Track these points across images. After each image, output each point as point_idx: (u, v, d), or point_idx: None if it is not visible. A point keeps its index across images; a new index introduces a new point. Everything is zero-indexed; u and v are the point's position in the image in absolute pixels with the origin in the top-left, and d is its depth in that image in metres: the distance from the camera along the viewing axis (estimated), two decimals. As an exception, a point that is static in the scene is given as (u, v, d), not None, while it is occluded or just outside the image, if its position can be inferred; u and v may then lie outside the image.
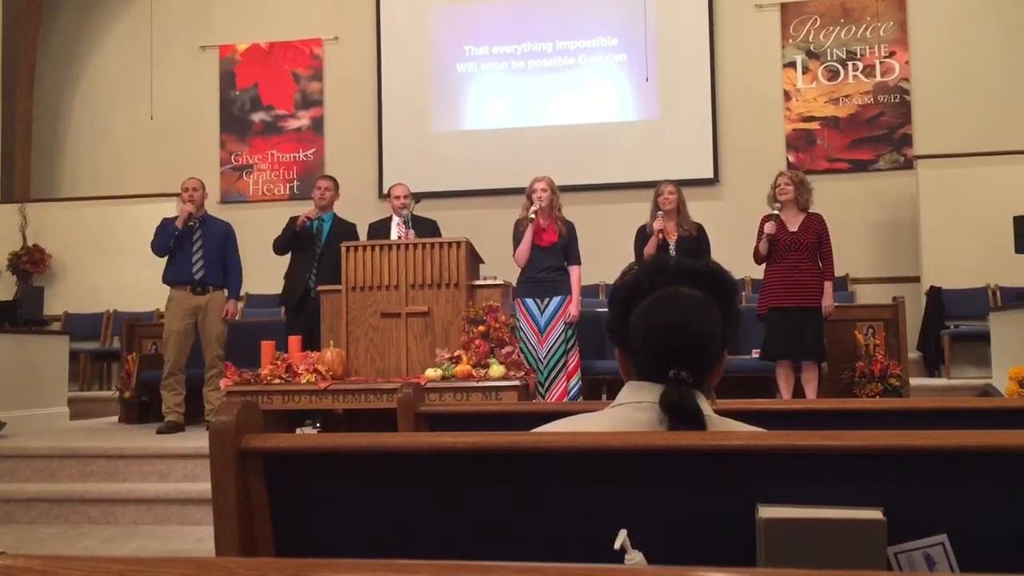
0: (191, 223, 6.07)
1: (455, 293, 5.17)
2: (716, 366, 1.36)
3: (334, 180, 6.46)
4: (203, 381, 6.07)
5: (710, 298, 1.33)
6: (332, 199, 6.30)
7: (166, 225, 6.13)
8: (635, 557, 1.09)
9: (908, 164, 8.44)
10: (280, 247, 6.20)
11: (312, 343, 5.31)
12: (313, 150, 9.65)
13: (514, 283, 5.79)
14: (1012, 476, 1.14)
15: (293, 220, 6.20)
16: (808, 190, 5.58)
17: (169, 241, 6.04)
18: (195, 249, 6.07)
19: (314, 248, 6.12)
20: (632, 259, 5.62)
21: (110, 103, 9.98)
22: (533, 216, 5.49)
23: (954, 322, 7.60)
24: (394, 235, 5.96)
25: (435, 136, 9.38)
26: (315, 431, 5.58)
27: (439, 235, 5.96)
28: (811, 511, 1.10)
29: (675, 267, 1.39)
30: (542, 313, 5.50)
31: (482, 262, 5.59)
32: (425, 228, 6.07)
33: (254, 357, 5.11)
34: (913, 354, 7.36)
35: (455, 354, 4.87)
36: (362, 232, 6.26)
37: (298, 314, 6.00)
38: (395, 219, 6.12)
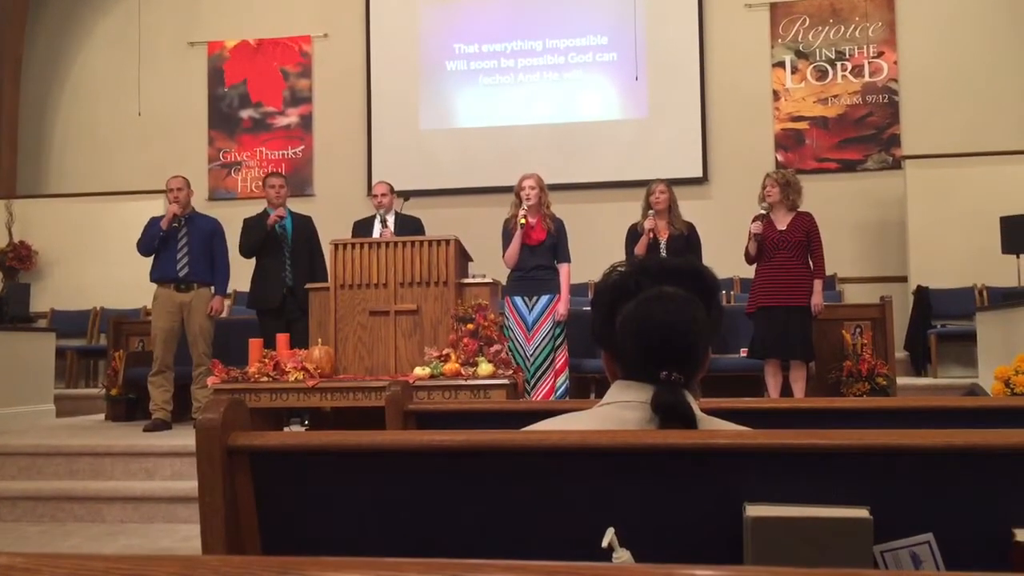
0: (176, 223, 6.04)
1: (444, 291, 5.17)
2: (703, 363, 1.36)
3: (284, 176, 6.52)
4: (191, 379, 6.04)
5: (694, 296, 1.34)
6: (287, 196, 6.30)
7: (152, 224, 6.09)
8: (623, 555, 1.09)
9: (896, 164, 8.47)
10: (250, 250, 6.14)
11: (292, 341, 5.29)
12: (302, 147, 9.63)
13: (503, 281, 5.79)
14: (998, 475, 1.14)
15: (252, 222, 6.16)
16: (796, 190, 5.58)
17: (153, 241, 6.01)
18: (180, 247, 6.04)
19: (282, 247, 6.10)
20: (620, 258, 5.64)
21: (97, 99, 9.93)
22: (523, 221, 5.47)
23: (941, 322, 7.64)
24: (376, 233, 5.97)
25: (424, 134, 9.37)
26: (303, 429, 5.56)
27: (423, 233, 5.97)
28: (798, 509, 1.11)
29: (658, 267, 1.39)
30: (530, 311, 5.50)
31: (471, 260, 5.58)
32: (409, 226, 6.08)
33: (242, 355, 5.10)
34: (900, 353, 7.39)
35: (444, 352, 4.86)
36: (347, 231, 6.23)
37: (278, 314, 5.96)
38: (378, 217, 6.14)
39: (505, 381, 4.69)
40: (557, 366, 5.47)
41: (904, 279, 8.15)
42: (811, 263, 5.55)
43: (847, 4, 8.80)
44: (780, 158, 8.74)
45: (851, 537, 1.09)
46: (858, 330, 5.96)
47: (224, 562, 0.66)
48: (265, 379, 4.85)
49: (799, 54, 8.87)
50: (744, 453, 1.17)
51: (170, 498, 4.82)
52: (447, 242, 5.22)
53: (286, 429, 5.34)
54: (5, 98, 9.51)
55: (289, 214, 6.20)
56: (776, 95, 8.89)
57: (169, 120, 9.73)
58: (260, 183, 9.37)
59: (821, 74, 8.82)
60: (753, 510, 1.11)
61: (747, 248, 5.59)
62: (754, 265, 5.66)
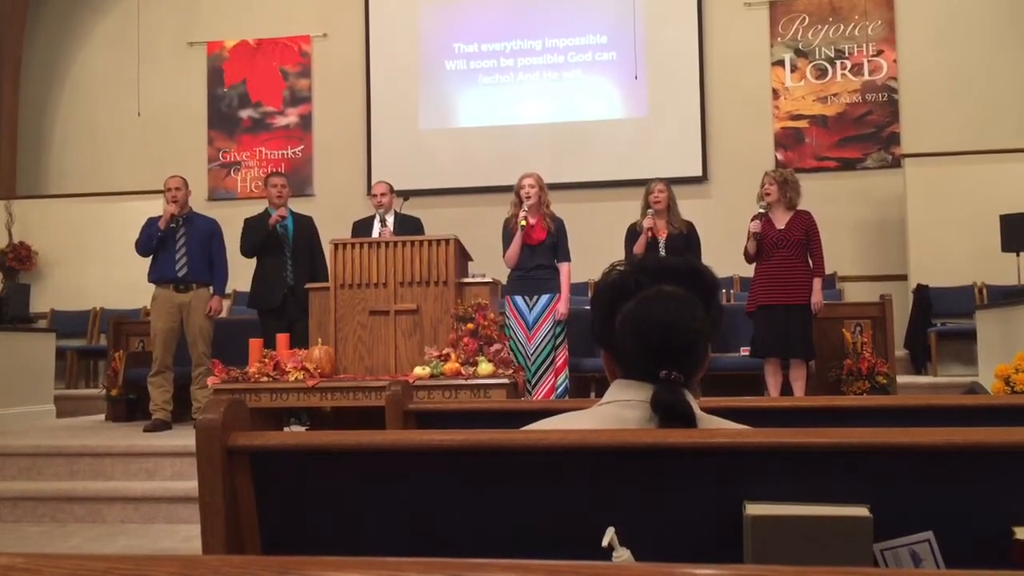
0: (174, 223, 6.04)
1: (444, 291, 5.17)
2: (703, 363, 1.36)
3: (286, 176, 6.58)
4: (190, 379, 6.04)
5: (693, 295, 1.34)
6: (288, 196, 6.31)
7: (150, 224, 6.10)
8: (623, 554, 1.09)
9: (896, 162, 8.47)
10: (251, 250, 6.15)
11: (293, 341, 5.29)
12: (301, 147, 9.63)
13: (503, 281, 5.79)
14: (997, 473, 1.14)
15: (254, 221, 6.17)
16: (794, 188, 5.58)
17: (151, 242, 6.01)
18: (178, 247, 6.04)
19: (283, 247, 6.11)
20: (620, 257, 5.64)
21: (97, 99, 9.93)
22: (524, 223, 5.47)
23: (941, 320, 7.64)
24: (375, 233, 5.97)
25: (424, 133, 9.37)
26: (304, 429, 5.56)
27: (422, 233, 5.97)
28: (798, 508, 1.11)
29: (657, 266, 1.39)
30: (531, 310, 5.50)
31: (471, 260, 5.58)
32: (409, 226, 6.09)
33: (242, 355, 5.10)
34: (900, 352, 7.39)
35: (444, 352, 4.86)
36: (346, 230, 6.24)
37: (279, 314, 5.97)
38: (377, 217, 6.14)
39: (505, 380, 4.70)
40: (557, 365, 5.47)
41: (904, 277, 8.16)
42: (810, 262, 5.55)
43: (846, 3, 8.80)
44: (780, 157, 8.74)
45: (851, 536, 1.09)
46: (858, 329, 5.96)
47: (224, 562, 0.66)
48: (265, 379, 4.85)
49: (798, 53, 8.86)
50: (744, 452, 1.17)
51: (170, 498, 4.82)
52: (447, 241, 5.22)
53: (286, 429, 5.34)
54: (5, 98, 9.51)
55: (290, 214, 6.21)
56: (776, 94, 8.89)
57: (168, 120, 9.73)
58: (260, 183, 9.40)
59: (821, 73, 8.82)
60: (753, 509, 1.11)
61: (746, 247, 5.59)
62: (753, 264, 5.66)
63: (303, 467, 1.30)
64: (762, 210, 5.59)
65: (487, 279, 5.37)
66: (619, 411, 1.31)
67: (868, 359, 5.73)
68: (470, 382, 4.69)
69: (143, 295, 6.77)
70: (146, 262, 6.14)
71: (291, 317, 5.86)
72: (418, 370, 4.79)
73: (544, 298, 5.50)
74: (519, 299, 5.53)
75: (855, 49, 8.77)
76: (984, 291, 7.68)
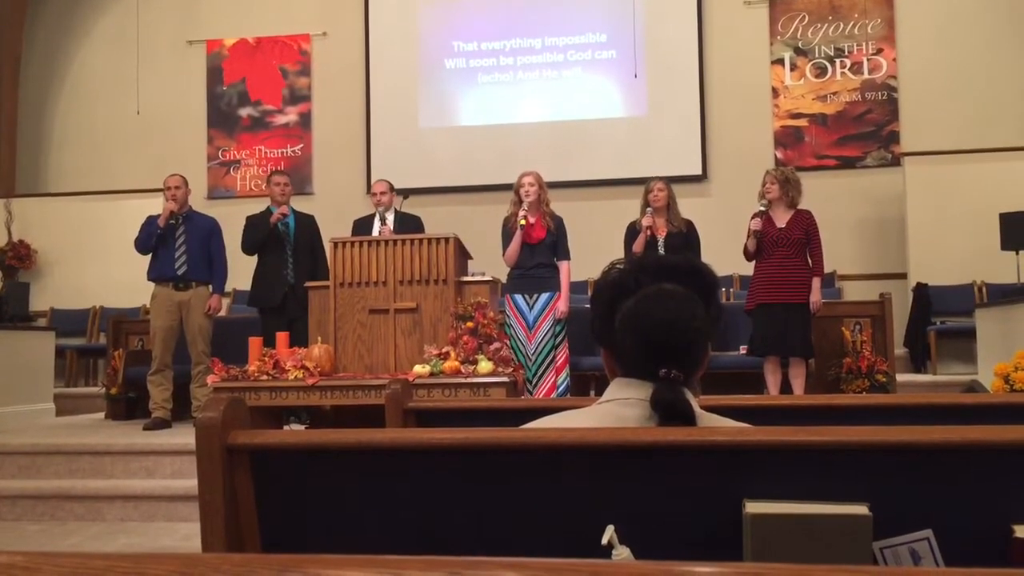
0: (173, 220, 6.05)
1: (443, 289, 5.17)
2: (702, 361, 1.36)
3: (288, 175, 6.58)
4: (190, 377, 6.05)
5: (693, 294, 1.34)
6: (291, 194, 6.32)
7: (150, 223, 6.10)
8: (622, 553, 1.09)
9: (895, 161, 8.47)
10: (252, 247, 6.16)
11: (293, 340, 5.29)
12: (301, 146, 9.63)
13: (502, 279, 5.79)
14: (996, 471, 1.14)
15: (256, 219, 6.18)
16: (795, 187, 5.57)
17: (151, 239, 6.02)
18: (178, 245, 6.05)
19: (284, 245, 6.11)
20: (620, 256, 5.63)
21: (96, 98, 9.93)
22: (523, 222, 5.46)
23: (940, 318, 7.64)
24: (375, 231, 5.98)
25: (423, 132, 9.37)
26: (303, 428, 5.56)
27: (422, 231, 5.97)
28: (797, 506, 1.11)
29: (656, 264, 1.39)
30: (531, 309, 5.50)
31: (470, 258, 5.58)
32: (408, 224, 6.09)
33: (241, 353, 5.10)
34: (900, 350, 7.40)
35: (443, 350, 4.86)
36: (346, 229, 6.24)
37: (280, 312, 5.97)
38: (377, 215, 6.15)
39: (504, 379, 4.70)
40: (558, 363, 5.47)
41: (904, 276, 8.16)
42: (810, 261, 5.55)
43: (846, 1, 8.80)
44: (779, 155, 8.74)
45: (850, 534, 1.09)
46: (858, 327, 5.96)
47: (224, 560, 0.66)
48: (265, 377, 4.85)
49: (798, 51, 8.86)
50: (744, 450, 1.17)
51: (170, 496, 4.82)
52: (446, 240, 5.22)
53: (286, 428, 5.34)
54: (4, 97, 9.51)
55: (292, 212, 6.21)
56: (775, 92, 8.89)
57: (168, 118, 9.72)
58: (259, 181, 9.40)
59: (820, 71, 8.81)
60: (752, 507, 1.11)
61: (746, 245, 5.59)
62: (753, 262, 5.66)
63: (303, 466, 1.31)
64: (763, 208, 5.59)
65: (487, 277, 5.37)
66: (619, 409, 1.31)
67: (867, 357, 5.74)
68: (470, 380, 4.69)
69: (143, 293, 6.77)
70: (145, 260, 6.14)
71: (291, 315, 5.87)
72: (418, 368, 4.79)
73: (544, 297, 5.50)
74: (519, 298, 5.53)
75: (855, 47, 8.77)
76: (984, 289, 7.69)
